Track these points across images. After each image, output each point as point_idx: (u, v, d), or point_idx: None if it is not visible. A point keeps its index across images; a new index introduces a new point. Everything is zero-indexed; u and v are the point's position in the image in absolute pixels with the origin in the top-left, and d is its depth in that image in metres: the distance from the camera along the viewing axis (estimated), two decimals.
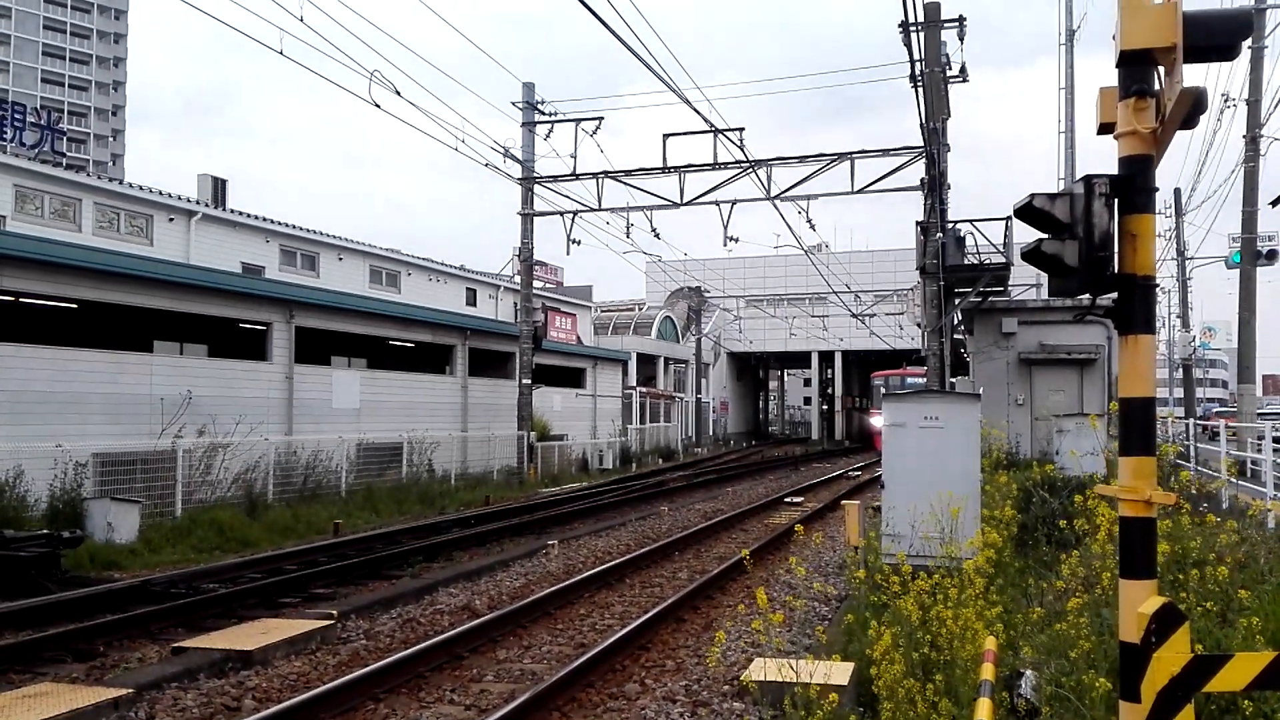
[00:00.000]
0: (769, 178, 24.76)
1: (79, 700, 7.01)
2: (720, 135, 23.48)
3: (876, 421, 45.49)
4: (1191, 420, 23.84)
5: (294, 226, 34.42)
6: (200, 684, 7.92)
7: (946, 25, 21.53)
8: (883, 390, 44.81)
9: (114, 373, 17.43)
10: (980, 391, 20.99)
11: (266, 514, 17.08)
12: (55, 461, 14.70)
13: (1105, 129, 3.86)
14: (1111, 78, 3.81)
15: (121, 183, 30.78)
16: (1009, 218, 23.62)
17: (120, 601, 10.64)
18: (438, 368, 28.28)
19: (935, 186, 21.78)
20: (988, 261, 23.44)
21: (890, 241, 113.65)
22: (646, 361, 50.71)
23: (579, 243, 27.28)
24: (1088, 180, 3.74)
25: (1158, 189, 3.84)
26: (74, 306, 17.73)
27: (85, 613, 10.22)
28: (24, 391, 15.74)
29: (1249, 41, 18.46)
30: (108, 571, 12.62)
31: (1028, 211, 3.90)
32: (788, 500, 23.12)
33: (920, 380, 40.82)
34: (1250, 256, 20.96)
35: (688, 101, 18.09)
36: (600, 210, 26.59)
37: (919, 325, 23.84)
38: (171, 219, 29.77)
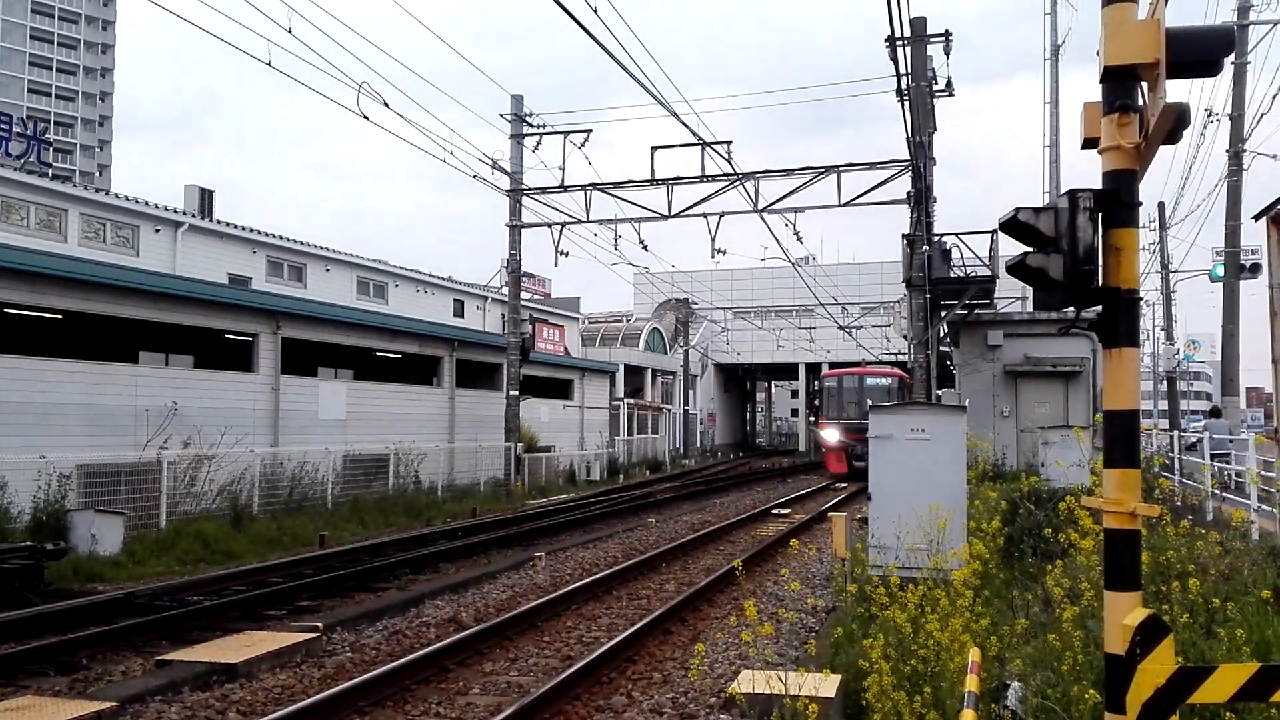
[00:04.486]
0: (756, 190, 24.87)
1: (62, 714, 6.95)
2: (708, 148, 23.58)
3: (828, 435, 35.41)
4: (1176, 433, 23.96)
5: (281, 237, 34.33)
6: (184, 697, 7.86)
7: (933, 40, 21.70)
8: (833, 393, 36.44)
9: (98, 384, 17.33)
10: (966, 403, 21.09)
11: (252, 526, 16.98)
12: (39, 473, 14.58)
13: (1089, 144, 3.89)
14: (1095, 92, 3.85)
15: (107, 193, 30.64)
16: (994, 231, 23.77)
17: (104, 614, 10.56)
18: (425, 379, 28.22)
19: (921, 199, 21.88)
20: (973, 274, 23.56)
21: (876, 254, 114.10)
22: (634, 373, 50.70)
23: (567, 254, 27.37)
24: (1072, 194, 3.77)
25: (1141, 203, 3.86)
26: (58, 317, 17.62)
27: (68, 625, 10.13)
28: (7, 402, 15.63)
29: (1232, 57, 18.66)
30: (91, 584, 12.53)
31: (1013, 225, 3.92)
32: (775, 512, 23.11)
33: (884, 381, 35.53)
34: (1233, 270, 21.14)
35: (675, 114, 18.20)
36: (588, 222, 26.64)
37: (905, 337, 23.92)
38: (158, 230, 29.65)
